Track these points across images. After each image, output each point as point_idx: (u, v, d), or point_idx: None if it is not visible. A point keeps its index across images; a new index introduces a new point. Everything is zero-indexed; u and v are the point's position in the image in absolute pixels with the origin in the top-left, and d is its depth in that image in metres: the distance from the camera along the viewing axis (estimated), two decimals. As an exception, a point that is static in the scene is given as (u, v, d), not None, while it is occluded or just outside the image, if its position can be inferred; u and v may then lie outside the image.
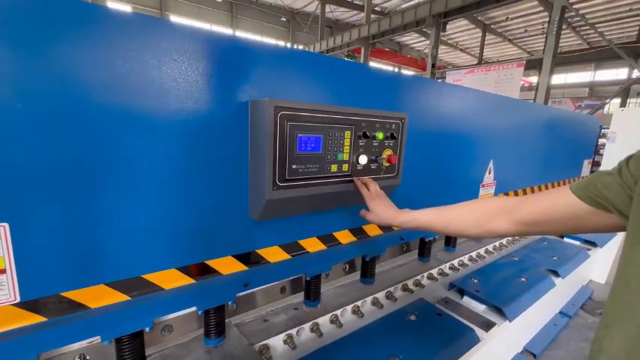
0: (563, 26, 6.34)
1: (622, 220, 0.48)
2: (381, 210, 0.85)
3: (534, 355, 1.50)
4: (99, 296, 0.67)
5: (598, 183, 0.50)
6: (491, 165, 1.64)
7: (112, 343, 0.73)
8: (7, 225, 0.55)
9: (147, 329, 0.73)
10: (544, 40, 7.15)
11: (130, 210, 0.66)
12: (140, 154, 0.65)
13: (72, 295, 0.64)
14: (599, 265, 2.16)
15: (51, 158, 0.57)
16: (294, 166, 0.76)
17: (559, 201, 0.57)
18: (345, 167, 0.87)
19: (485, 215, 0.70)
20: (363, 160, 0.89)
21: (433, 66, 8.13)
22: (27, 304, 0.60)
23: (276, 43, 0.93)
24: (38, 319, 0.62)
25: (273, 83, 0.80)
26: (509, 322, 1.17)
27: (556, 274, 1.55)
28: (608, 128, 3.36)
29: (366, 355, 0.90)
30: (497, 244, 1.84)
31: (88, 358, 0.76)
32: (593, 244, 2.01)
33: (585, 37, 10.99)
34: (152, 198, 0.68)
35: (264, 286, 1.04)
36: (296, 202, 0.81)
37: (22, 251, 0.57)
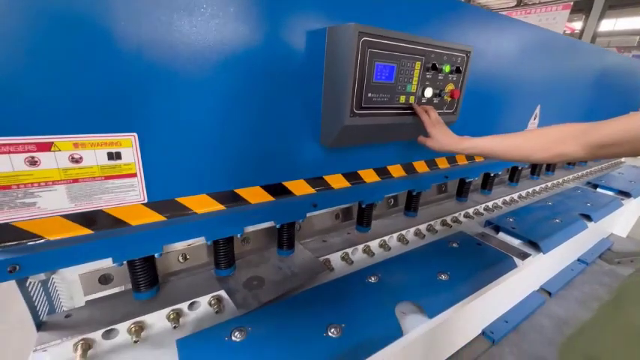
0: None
1: None
2: (442, 137, 0.89)
3: (549, 293, 1.63)
4: (203, 204, 0.78)
5: None
6: (537, 111, 1.61)
7: (202, 247, 0.86)
8: (136, 134, 0.64)
9: (238, 235, 0.86)
10: (600, -24, 6.29)
11: (225, 132, 0.74)
12: (234, 86, 0.70)
13: (183, 200, 0.75)
14: (624, 219, 2.19)
15: (166, 80, 0.63)
16: (369, 95, 0.80)
17: (635, 123, 0.60)
18: (412, 99, 0.90)
19: (554, 140, 0.73)
20: (428, 93, 0.91)
21: (467, 8, 7.38)
22: (152, 205, 0.72)
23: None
24: (160, 217, 0.74)
25: (344, 8, 0.80)
26: (544, 254, 1.26)
27: (589, 218, 1.61)
28: (660, 79, 3.12)
29: (417, 270, 1.03)
30: (530, 190, 1.88)
31: (188, 257, 0.91)
32: (627, 194, 2.03)
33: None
34: (243, 124, 0.75)
35: (322, 211, 1.15)
36: (367, 130, 0.86)
37: (147, 159, 0.67)
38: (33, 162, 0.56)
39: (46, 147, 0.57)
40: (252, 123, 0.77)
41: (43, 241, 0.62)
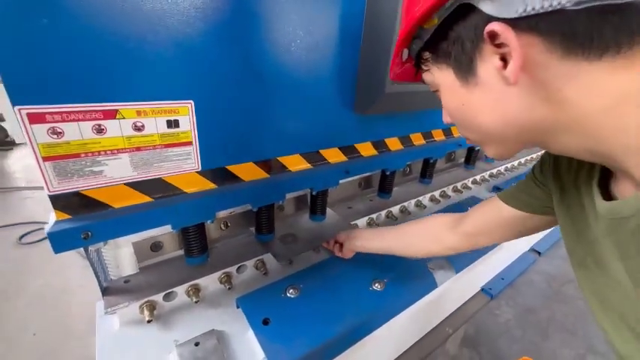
0: None
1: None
2: (347, 253, 0.91)
3: (539, 253, 1.78)
4: (250, 172, 0.80)
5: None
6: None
7: (240, 215, 0.89)
8: (192, 102, 0.64)
9: (281, 202, 0.89)
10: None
11: (268, 101, 0.75)
12: (274, 55, 0.70)
13: (232, 168, 0.77)
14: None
15: (216, 45, 0.63)
16: (408, 61, 0.82)
17: (490, 213, 0.66)
18: (444, 67, 0.92)
19: (431, 239, 0.77)
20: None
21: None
22: (205, 173, 0.73)
23: None
24: (212, 185, 0.76)
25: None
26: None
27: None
28: None
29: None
30: (528, 157, 1.99)
31: (229, 225, 0.94)
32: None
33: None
34: (284, 94, 0.76)
35: (347, 180, 1.19)
36: (403, 97, 0.88)
37: (201, 127, 0.67)
38: (100, 130, 0.56)
39: (112, 114, 0.57)
40: (292, 92, 0.78)
41: (110, 209, 0.63)
